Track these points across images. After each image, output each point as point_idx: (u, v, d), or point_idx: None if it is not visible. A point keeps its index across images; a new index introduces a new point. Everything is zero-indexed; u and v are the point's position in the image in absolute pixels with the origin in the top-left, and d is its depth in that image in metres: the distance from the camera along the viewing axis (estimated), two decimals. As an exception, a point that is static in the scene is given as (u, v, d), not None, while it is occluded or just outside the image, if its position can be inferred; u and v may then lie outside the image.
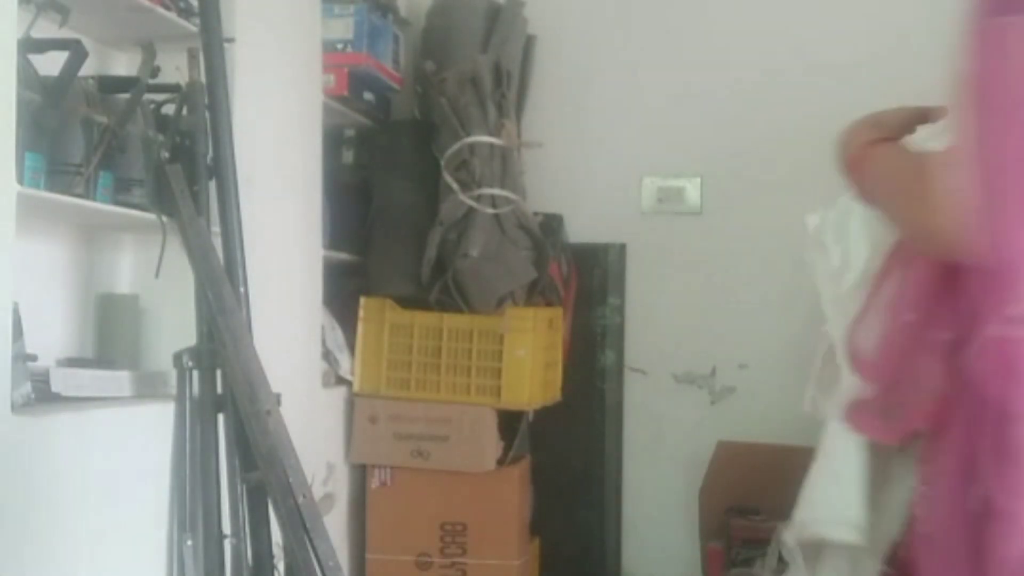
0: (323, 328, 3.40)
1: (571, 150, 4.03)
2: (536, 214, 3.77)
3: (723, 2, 4.02)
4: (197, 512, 2.49)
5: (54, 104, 2.33)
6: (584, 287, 3.95)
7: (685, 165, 4.00)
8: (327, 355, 3.46)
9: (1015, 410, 1.34)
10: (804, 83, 3.88)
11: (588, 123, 4.05)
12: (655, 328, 4.00)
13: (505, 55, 3.67)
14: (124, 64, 2.81)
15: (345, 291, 3.58)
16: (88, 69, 2.48)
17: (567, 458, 3.88)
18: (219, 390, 2.53)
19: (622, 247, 4.03)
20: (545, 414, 3.64)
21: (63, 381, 2.42)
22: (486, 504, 3.48)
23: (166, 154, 2.57)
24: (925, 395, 1.52)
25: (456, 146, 3.49)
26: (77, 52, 2.35)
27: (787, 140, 3.89)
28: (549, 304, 3.69)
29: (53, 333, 2.63)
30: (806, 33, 3.89)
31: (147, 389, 2.60)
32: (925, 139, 1.69)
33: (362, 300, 3.54)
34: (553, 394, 3.69)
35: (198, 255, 2.51)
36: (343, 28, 3.52)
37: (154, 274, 2.57)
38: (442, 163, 3.52)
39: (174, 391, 2.53)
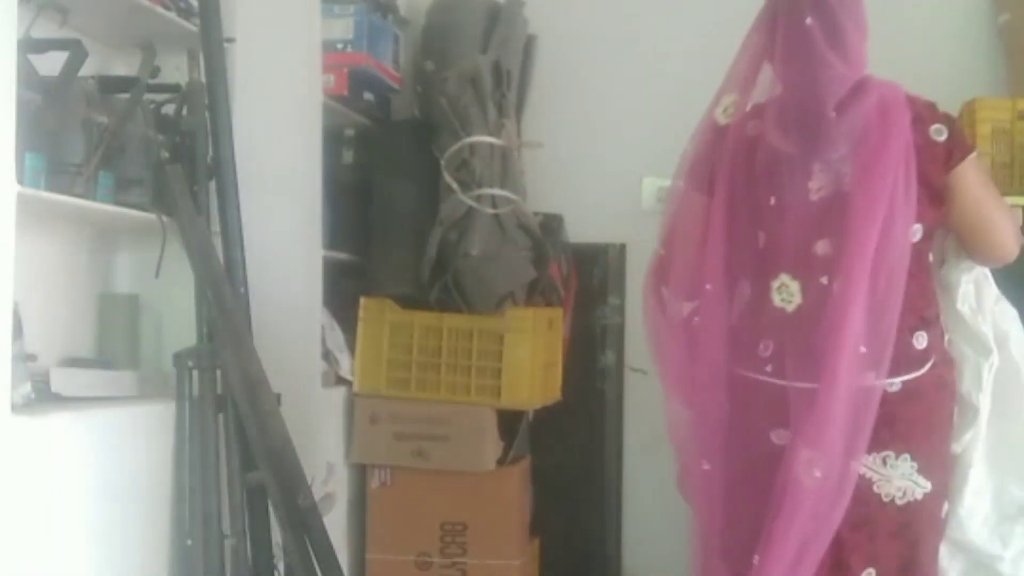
0: (323, 328, 3.39)
1: (571, 150, 4.03)
2: (536, 214, 3.76)
3: (723, 3, 4.02)
4: (197, 512, 2.50)
5: (54, 104, 2.33)
6: (584, 287, 3.95)
7: (685, 165, 3.99)
8: (327, 355, 3.46)
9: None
10: (804, 83, 3.88)
11: (588, 123, 4.05)
12: (655, 328, 4.00)
13: (505, 55, 3.67)
14: (124, 64, 2.80)
15: (345, 291, 3.58)
16: (88, 69, 2.48)
17: (567, 458, 3.88)
18: (219, 390, 2.54)
19: (622, 247, 4.03)
20: (545, 414, 3.64)
21: (63, 381, 2.42)
22: (486, 504, 3.47)
23: (166, 154, 2.58)
24: None
25: (456, 146, 3.49)
26: (77, 52, 2.35)
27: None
28: (549, 304, 3.68)
29: (53, 333, 2.62)
30: (806, 33, 3.89)
31: (147, 389, 2.60)
32: None
33: (362, 300, 3.54)
34: (553, 394, 3.69)
35: (198, 255, 2.51)
36: (343, 28, 3.52)
37: (154, 274, 2.58)
38: (442, 163, 3.51)
39: (174, 391, 2.54)
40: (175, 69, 2.65)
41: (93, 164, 2.41)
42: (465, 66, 3.54)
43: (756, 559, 2.18)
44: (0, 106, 2.08)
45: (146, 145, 2.56)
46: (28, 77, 2.27)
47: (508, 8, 3.77)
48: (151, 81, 2.62)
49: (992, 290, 2.47)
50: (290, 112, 3.14)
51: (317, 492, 2.80)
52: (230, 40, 2.71)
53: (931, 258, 2.38)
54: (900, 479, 2.24)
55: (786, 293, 2.28)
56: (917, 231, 2.27)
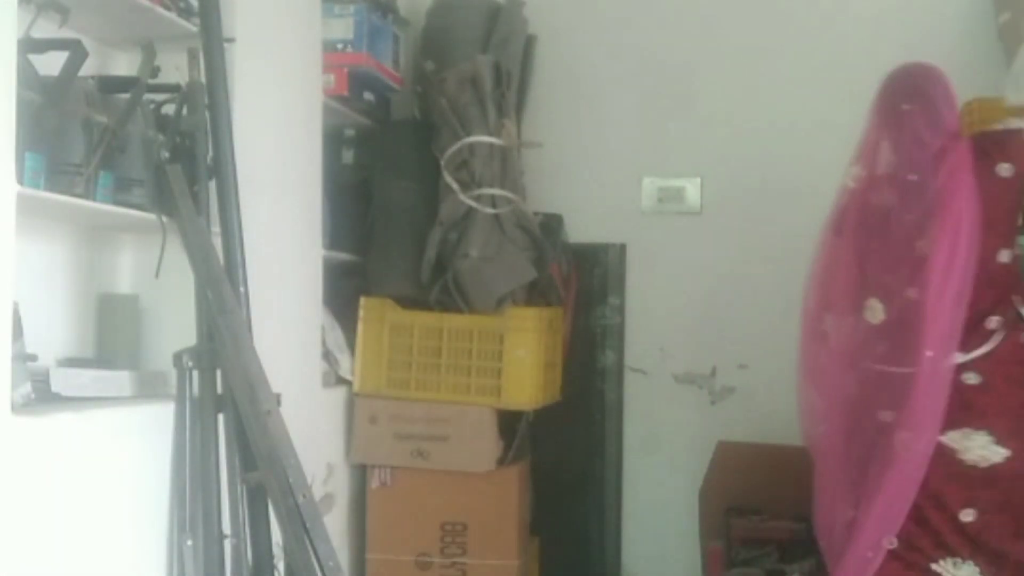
0: (323, 328, 3.39)
1: (571, 150, 4.03)
2: (536, 214, 3.77)
3: (723, 3, 4.02)
4: (197, 512, 2.50)
5: (54, 104, 2.33)
6: (584, 287, 3.95)
7: (685, 165, 4.00)
8: (327, 355, 3.46)
9: None
10: (804, 83, 3.88)
11: (588, 123, 4.05)
12: (655, 328, 4.00)
13: (505, 55, 3.67)
14: (124, 64, 2.80)
15: (345, 291, 3.58)
16: (88, 69, 2.48)
17: (567, 458, 3.89)
18: (219, 390, 2.54)
19: (622, 247, 4.03)
20: (545, 414, 3.64)
21: (63, 381, 2.42)
22: (486, 504, 3.48)
23: (166, 154, 2.58)
24: None
25: (456, 146, 3.49)
26: (77, 52, 2.35)
27: (787, 140, 3.89)
28: (549, 304, 3.68)
29: (53, 333, 2.62)
30: (806, 33, 3.89)
31: (147, 389, 2.60)
32: None
33: (362, 300, 3.54)
34: (553, 394, 3.69)
35: (198, 255, 2.51)
36: (343, 28, 3.52)
37: (154, 274, 2.58)
38: (442, 163, 3.51)
39: (174, 391, 2.54)
40: (175, 69, 2.65)
41: (93, 164, 2.41)
42: (465, 66, 3.54)
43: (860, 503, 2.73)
44: (0, 106, 2.08)
45: (146, 145, 2.56)
46: (28, 77, 2.27)
47: (508, 8, 3.78)
48: (151, 81, 2.62)
49: None
50: (290, 112, 3.14)
51: (317, 492, 2.80)
52: (230, 40, 2.71)
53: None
54: (979, 449, 2.68)
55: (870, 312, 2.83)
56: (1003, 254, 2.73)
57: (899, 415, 2.71)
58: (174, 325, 2.66)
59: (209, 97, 2.62)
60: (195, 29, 2.67)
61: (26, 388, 2.19)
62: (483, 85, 3.52)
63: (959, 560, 2.69)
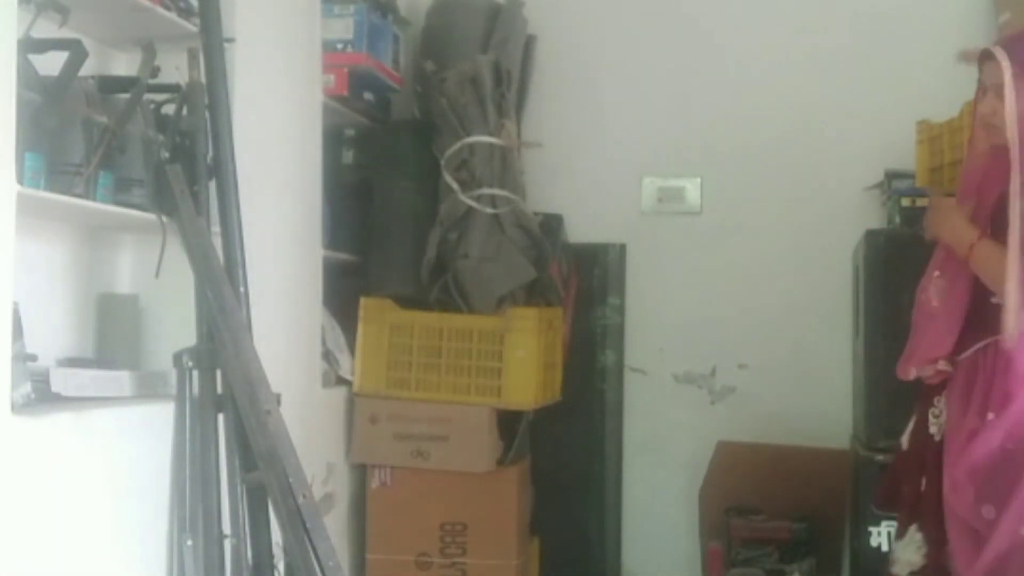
0: (323, 328, 3.39)
1: (571, 150, 4.03)
2: (536, 214, 3.77)
3: (723, 3, 4.02)
4: (197, 512, 2.50)
5: (54, 104, 2.33)
6: (584, 287, 3.95)
7: (685, 165, 4.00)
8: (327, 355, 3.46)
9: None
10: (804, 83, 3.89)
11: (588, 123, 4.05)
12: (655, 328, 4.00)
13: (505, 55, 3.67)
14: (124, 64, 2.80)
15: (345, 291, 3.58)
16: (88, 69, 2.48)
17: (567, 458, 3.89)
18: (219, 390, 2.53)
19: (622, 247, 4.03)
20: (545, 414, 3.64)
21: (63, 381, 2.42)
22: (486, 504, 3.47)
23: (166, 154, 2.58)
24: None
25: (456, 146, 3.49)
26: (77, 52, 2.35)
27: (786, 140, 3.89)
28: (549, 304, 3.68)
29: (53, 333, 2.62)
30: (806, 33, 3.89)
31: (147, 389, 2.60)
32: None
33: (362, 300, 3.54)
34: (553, 394, 3.69)
35: (198, 255, 2.51)
36: (343, 28, 3.52)
37: (154, 274, 2.57)
38: (442, 163, 3.52)
39: (174, 391, 2.54)
40: (175, 69, 2.65)
41: (93, 164, 2.41)
42: (465, 66, 3.54)
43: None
44: (0, 106, 2.08)
45: (146, 145, 2.56)
46: (28, 77, 2.26)
47: (508, 8, 3.78)
48: (151, 81, 2.61)
49: None
50: (290, 112, 3.14)
51: (317, 492, 2.80)
52: (230, 40, 2.71)
53: None
54: None
55: None
56: None
57: None
58: (174, 325, 2.66)
59: (209, 97, 2.61)
60: (195, 29, 2.67)
61: (26, 388, 2.19)
62: (483, 85, 3.52)
63: None
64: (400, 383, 3.49)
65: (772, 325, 3.90)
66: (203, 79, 2.62)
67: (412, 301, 3.53)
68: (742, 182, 3.94)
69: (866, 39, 3.83)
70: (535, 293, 3.61)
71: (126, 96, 2.55)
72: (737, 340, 3.93)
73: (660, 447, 3.98)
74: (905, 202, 3.42)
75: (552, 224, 3.85)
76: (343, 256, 3.54)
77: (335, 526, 3.26)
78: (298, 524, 2.42)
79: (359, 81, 3.62)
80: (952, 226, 2.58)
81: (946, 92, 3.28)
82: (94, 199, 2.42)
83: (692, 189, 4.00)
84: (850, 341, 3.75)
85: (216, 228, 2.61)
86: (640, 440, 4.00)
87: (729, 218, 3.95)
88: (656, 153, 4.03)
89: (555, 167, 3.99)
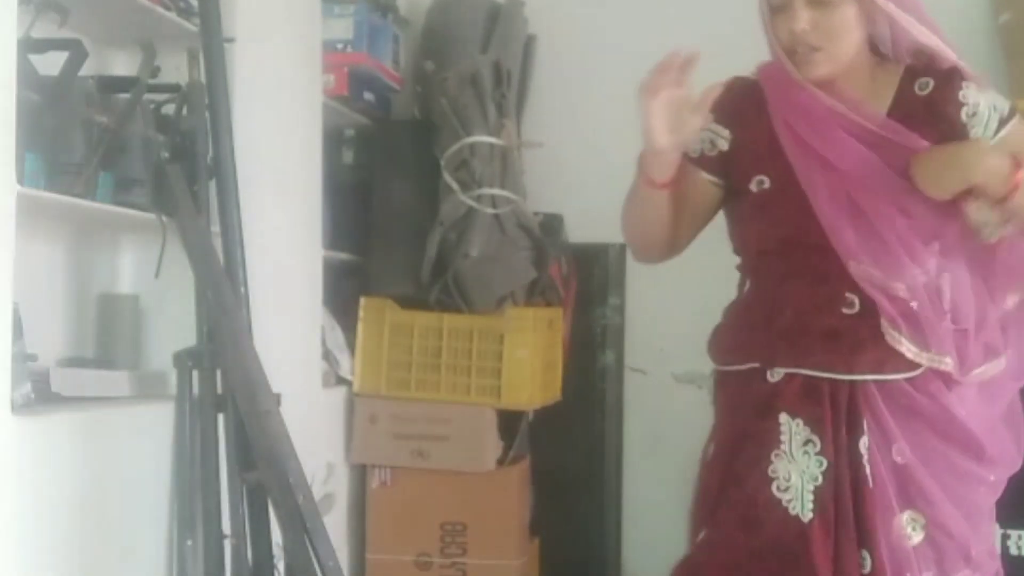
0: (323, 328, 3.39)
1: (571, 150, 4.02)
2: (536, 214, 3.76)
3: (723, 3, 4.02)
4: (197, 512, 2.50)
5: (54, 104, 2.33)
6: (584, 287, 3.94)
7: (685, 165, 3.99)
8: (327, 355, 3.46)
9: None
10: (804, 83, 3.88)
11: (588, 123, 4.04)
12: (655, 328, 4.00)
13: (505, 55, 3.67)
14: (124, 64, 2.80)
15: (345, 291, 3.58)
16: (88, 69, 2.48)
17: (567, 458, 3.88)
18: (219, 390, 2.53)
19: (622, 247, 4.02)
20: (545, 414, 3.64)
21: (63, 381, 2.42)
22: (486, 504, 3.47)
23: (166, 154, 2.58)
24: None
25: (456, 146, 3.49)
26: (77, 52, 2.35)
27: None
28: (549, 304, 3.68)
29: (53, 333, 2.62)
30: (806, 33, 3.89)
31: (147, 389, 2.60)
32: None
33: (362, 300, 3.54)
34: (553, 394, 3.69)
35: (198, 255, 2.51)
36: (343, 28, 3.52)
37: (154, 274, 2.58)
38: (442, 163, 3.51)
39: (174, 391, 2.54)
40: (175, 69, 2.65)
41: (93, 164, 2.41)
42: (465, 66, 3.54)
43: None
44: (0, 106, 2.08)
45: (146, 145, 2.56)
46: (28, 77, 2.27)
47: (508, 8, 3.77)
48: (151, 81, 2.61)
49: None
50: (290, 112, 3.14)
51: (317, 492, 2.80)
52: (230, 40, 2.71)
53: None
54: None
55: None
56: None
57: None
58: (174, 325, 2.66)
59: (209, 97, 2.61)
60: (195, 29, 2.67)
61: (26, 388, 2.19)
62: (483, 85, 3.52)
63: None
64: (400, 383, 3.49)
65: (772, 325, 3.89)
66: (203, 79, 2.62)
67: (412, 301, 3.53)
68: (742, 182, 3.93)
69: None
70: (535, 293, 3.61)
71: (126, 96, 2.55)
72: (737, 340, 3.92)
73: (660, 447, 3.97)
74: (905, 202, 3.42)
75: (552, 224, 3.85)
76: (343, 256, 3.54)
77: (335, 526, 3.26)
78: (298, 524, 2.42)
79: (359, 81, 3.62)
80: (990, 162, 2.21)
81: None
82: (94, 199, 2.42)
83: (692, 189, 3.99)
84: (850, 341, 3.74)
85: (216, 228, 2.61)
86: (640, 440, 3.99)
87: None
88: (656, 153, 4.02)
89: (555, 167, 3.98)
